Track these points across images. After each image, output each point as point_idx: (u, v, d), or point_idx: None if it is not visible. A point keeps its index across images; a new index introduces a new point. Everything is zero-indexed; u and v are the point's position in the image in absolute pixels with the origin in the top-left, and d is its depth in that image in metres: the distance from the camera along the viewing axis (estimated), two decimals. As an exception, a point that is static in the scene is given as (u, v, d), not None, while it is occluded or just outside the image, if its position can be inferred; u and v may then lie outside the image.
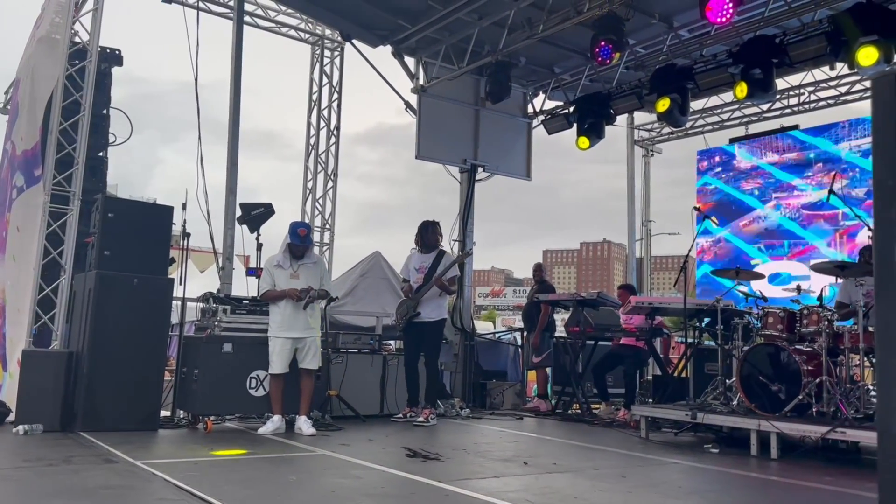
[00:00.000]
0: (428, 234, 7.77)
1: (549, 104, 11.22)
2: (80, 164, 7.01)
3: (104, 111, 8.21)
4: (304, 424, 6.30)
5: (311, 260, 6.71)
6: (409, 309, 7.50)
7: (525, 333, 10.02)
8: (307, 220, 10.68)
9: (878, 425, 1.23)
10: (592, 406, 8.76)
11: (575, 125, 10.22)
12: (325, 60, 11.10)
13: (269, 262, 6.75)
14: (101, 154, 8.19)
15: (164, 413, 6.62)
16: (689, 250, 8.03)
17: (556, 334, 9.90)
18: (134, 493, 3.83)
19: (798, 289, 6.68)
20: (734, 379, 6.36)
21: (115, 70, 8.44)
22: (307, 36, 11.14)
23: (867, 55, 6.97)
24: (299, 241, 6.58)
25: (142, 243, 6.47)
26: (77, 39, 7.27)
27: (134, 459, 4.63)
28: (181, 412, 6.73)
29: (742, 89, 8.11)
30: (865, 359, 5.91)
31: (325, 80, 11.13)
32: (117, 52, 8.36)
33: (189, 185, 7.48)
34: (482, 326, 18.37)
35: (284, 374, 6.40)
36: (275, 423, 6.31)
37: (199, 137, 8.60)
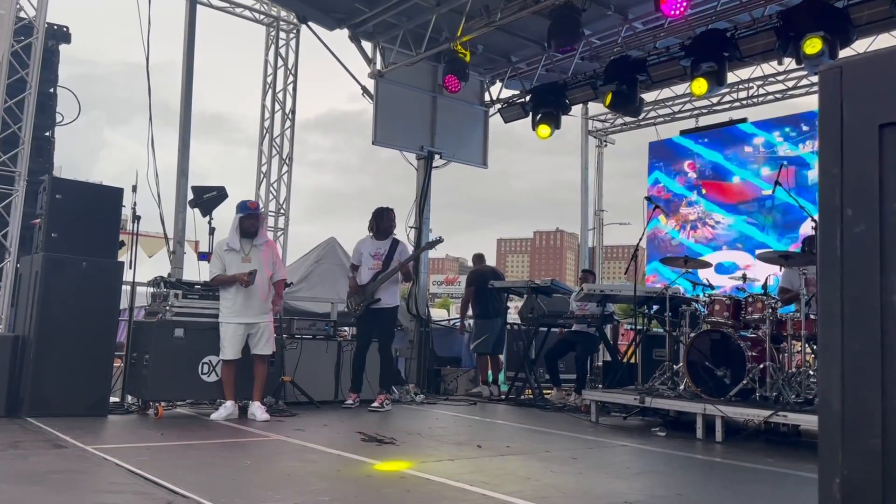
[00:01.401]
0: (383, 221, 7.75)
1: (506, 93, 11.29)
2: (26, 144, 6.81)
3: (51, 90, 7.97)
4: (257, 410, 6.25)
5: (262, 241, 6.56)
6: (369, 295, 7.49)
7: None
8: (261, 206, 10.55)
9: (819, 400, 1.31)
10: (544, 391, 8.91)
11: (531, 114, 10.31)
12: (281, 43, 10.95)
13: (219, 245, 6.64)
14: (47, 134, 7.96)
15: (114, 399, 6.50)
16: (640, 240, 8.20)
17: (509, 321, 10.03)
18: (85, 478, 3.77)
19: (744, 277, 6.90)
20: (681, 364, 6.55)
21: (61, 49, 8.20)
22: (262, 17, 10.97)
23: (812, 44, 7.21)
24: (251, 211, 6.44)
25: (91, 226, 6.31)
26: (23, 15, 7.04)
27: (84, 444, 4.55)
28: (131, 398, 6.62)
29: (700, 85, 8.23)
30: (807, 345, 6.15)
31: (280, 62, 10.98)
32: (65, 29, 8.12)
33: (136, 168, 7.29)
34: (436, 314, 18.45)
35: (237, 360, 6.34)
36: (227, 408, 6.25)
37: (150, 118, 8.41)
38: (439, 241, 7.96)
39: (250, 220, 6.45)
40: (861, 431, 1.29)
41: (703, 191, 12.18)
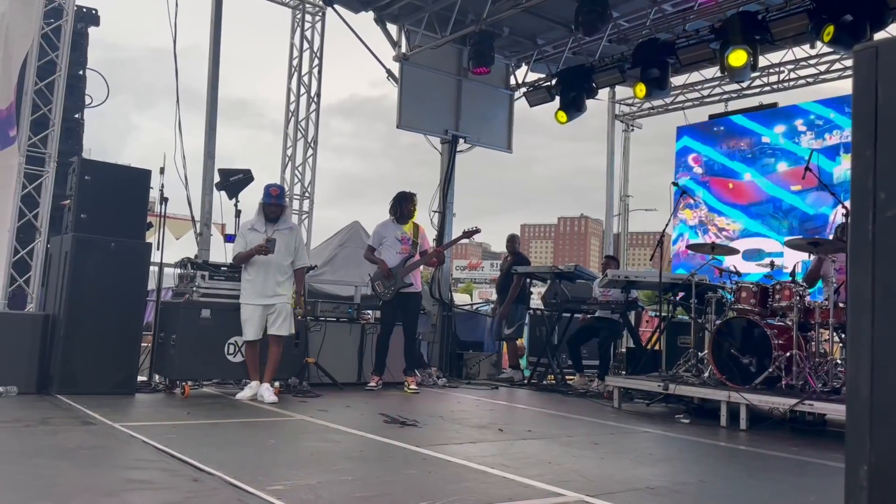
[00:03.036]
0: (405, 205, 7.76)
1: (532, 76, 11.19)
2: (56, 126, 6.89)
3: (80, 72, 8.05)
4: (265, 392, 6.20)
5: (286, 226, 6.60)
6: (399, 279, 7.51)
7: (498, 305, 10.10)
8: (286, 189, 10.60)
9: (848, 386, 1.29)
10: (567, 377, 8.90)
11: (557, 98, 10.22)
12: (307, 25, 10.94)
13: (243, 225, 6.72)
14: (76, 116, 8.06)
15: (141, 378, 6.61)
16: (666, 226, 8.12)
17: (532, 306, 10.01)
18: (112, 454, 3.85)
19: (771, 264, 6.80)
20: (706, 351, 6.50)
21: (90, 32, 8.26)
22: (288, 0, 10.96)
23: (829, 31, 7.10)
24: (270, 200, 6.46)
25: (119, 207, 6.40)
26: (52, -3, 7.10)
27: (112, 422, 4.64)
28: (158, 377, 6.73)
29: (739, 56, 7.93)
30: (835, 334, 6.06)
31: (305, 45, 10.98)
32: (94, 12, 8.19)
33: (163, 151, 7.35)
34: (459, 299, 18.46)
35: (259, 340, 6.40)
36: (252, 388, 6.31)
37: (178, 101, 8.46)
38: (476, 230, 7.93)
39: (271, 208, 6.49)
40: (889, 419, 1.27)
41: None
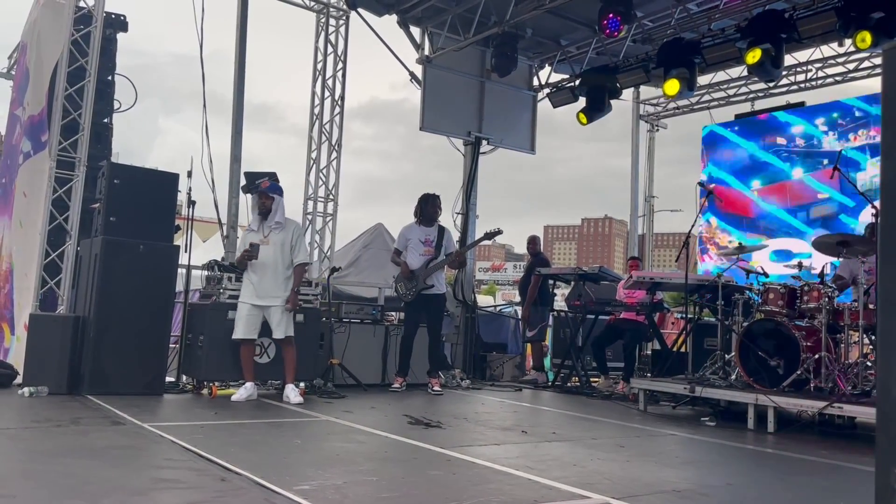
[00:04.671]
0: (430, 207, 7.77)
1: (555, 77, 11.16)
2: (86, 131, 7.01)
3: (109, 77, 8.17)
4: (291, 392, 6.22)
5: (279, 221, 6.40)
6: (421, 280, 7.53)
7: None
8: (311, 192, 10.68)
9: (878, 387, 1.28)
10: (591, 379, 8.85)
11: (581, 98, 10.18)
12: (331, 29, 11.01)
13: (248, 227, 6.76)
14: (105, 121, 8.17)
15: (170, 378, 6.70)
16: (692, 226, 8.05)
17: (556, 308, 9.97)
18: (142, 453, 3.90)
19: (799, 265, 6.71)
20: (733, 354, 6.42)
21: (118, 38, 8.38)
22: (313, 4, 11.05)
23: (862, 39, 7.01)
24: (258, 190, 6.38)
25: (147, 210, 6.50)
26: (82, 4, 7.23)
27: (141, 422, 4.71)
28: (186, 377, 6.81)
29: (755, 55, 7.96)
30: (864, 336, 5.96)
31: (329, 49, 11.05)
32: (122, 18, 8.30)
33: (189, 155, 7.46)
34: (483, 300, 18.44)
35: (253, 341, 6.36)
36: (247, 389, 6.24)
37: (204, 105, 8.59)
38: (499, 232, 7.92)
39: (260, 199, 6.39)
40: (921, 421, 1.24)
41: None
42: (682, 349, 8.00)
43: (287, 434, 4.76)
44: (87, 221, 6.99)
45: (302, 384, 6.68)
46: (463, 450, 4.28)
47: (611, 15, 8.05)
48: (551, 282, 9.58)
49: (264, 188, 6.43)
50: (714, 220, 12.32)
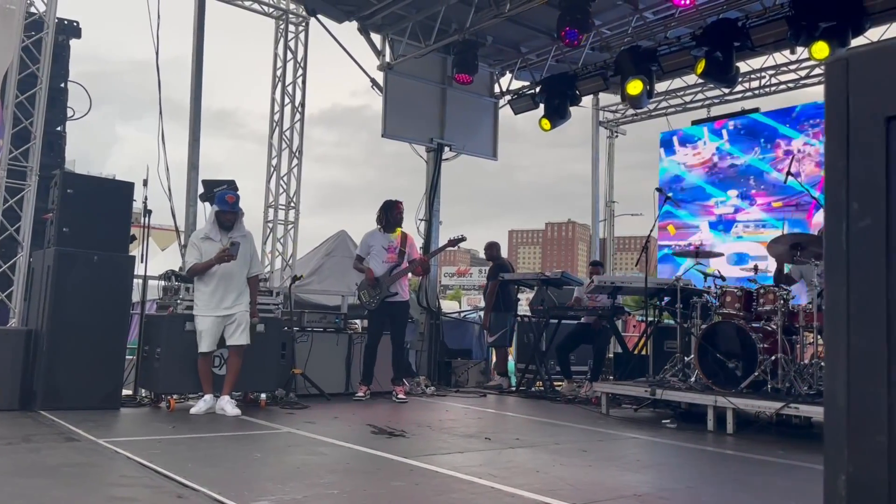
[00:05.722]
0: (392, 213, 7.75)
1: (516, 84, 11.24)
2: (38, 139, 6.85)
3: (62, 84, 8.00)
4: (227, 405, 6.05)
5: (240, 233, 6.34)
6: (384, 288, 7.48)
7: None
8: (272, 199, 10.57)
9: (826, 395, 1.30)
10: (555, 383, 8.91)
11: (541, 105, 10.27)
12: (290, 36, 10.93)
13: (195, 235, 6.53)
14: (58, 129, 8.00)
15: (126, 392, 6.55)
16: (651, 231, 8.16)
17: (521, 313, 10.01)
18: (96, 471, 3.81)
19: (755, 269, 6.85)
20: (692, 356, 6.52)
21: (72, 45, 8.21)
22: (271, 10, 10.96)
23: (820, 49, 7.20)
24: (228, 208, 6.23)
25: (102, 220, 6.35)
26: (33, 10, 7.06)
27: (96, 437, 4.59)
28: (143, 391, 6.67)
29: (700, 65, 8.24)
30: (819, 337, 6.10)
31: (289, 55, 10.97)
32: (75, 24, 8.14)
33: (147, 162, 7.32)
34: (448, 306, 18.47)
35: (213, 353, 6.24)
36: (207, 402, 6.11)
37: (160, 112, 8.43)
38: (462, 239, 7.92)
39: (227, 216, 6.25)
40: (867, 428, 1.28)
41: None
42: (643, 352, 8.10)
43: (247, 447, 4.69)
44: (40, 232, 6.82)
45: (263, 395, 6.60)
46: (427, 459, 4.27)
47: (568, 28, 8.16)
48: (515, 287, 9.62)
49: (231, 203, 6.23)
50: (673, 223, 12.49)
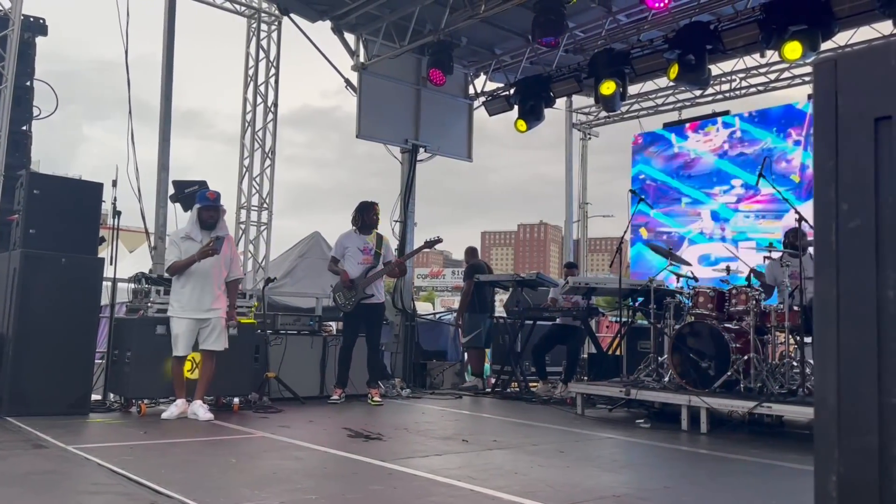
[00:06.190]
0: (367, 215, 7.69)
1: (490, 86, 11.25)
2: (3, 139, 6.69)
3: (28, 83, 7.81)
4: (199, 409, 5.94)
5: (222, 233, 6.22)
6: (360, 290, 7.42)
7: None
8: (244, 200, 10.46)
9: (816, 396, 1.29)
10: (530, 384, 8.92)
11: (516, 107, 10.29)
12: (262, 35, 10.83)
13: (175, 234, 6.41)
14: (24, 128, 7.80)
15: (96, 397, 6.41)
16: (625, 232, 8.22)
17: (496, 314, 10.01)
18: (66, 479, 3.71)
19: (727, 270, 6.92)
20: (666, 356, 6.57)
21: (38, 42, 8.02)
22: (243, 9, 10.84)
23: (793, 49, 7.30)
24: (210, 203, 6.13)
25: (70, 221, 6.20)
26: (-3, 6, 6.90)
27: (65, 444, 4.48)
28: (113, 396, 6.54)
29: (673, 70, 8.34)
30: (790, 336, 6.19)
31: (261, 55, 10.86)
32: (42, 21, 7.95)
33: (114, 163, 7.18)
34: (421, 307, 18.40)
35: (185, 356, 6.11)
36: (179, 406, 6.00)
37: (130, 111, 8.29)
38: (438, 240, 7.88)
39: (209, 212, 6.14)
40: (857, 428, 1.27)
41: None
42: (618, 352, 8.15)
43: (221, 452, 4.62)
44: (5, 234, 6.64)
45: (236, 399, 6.51)
46: (404, 462, 4.24)
47: (542, 41, 8.27)
48: (491, 288, 9.62)
49: (212, 200, 6.14)
50: (648, 221, 12.57)
